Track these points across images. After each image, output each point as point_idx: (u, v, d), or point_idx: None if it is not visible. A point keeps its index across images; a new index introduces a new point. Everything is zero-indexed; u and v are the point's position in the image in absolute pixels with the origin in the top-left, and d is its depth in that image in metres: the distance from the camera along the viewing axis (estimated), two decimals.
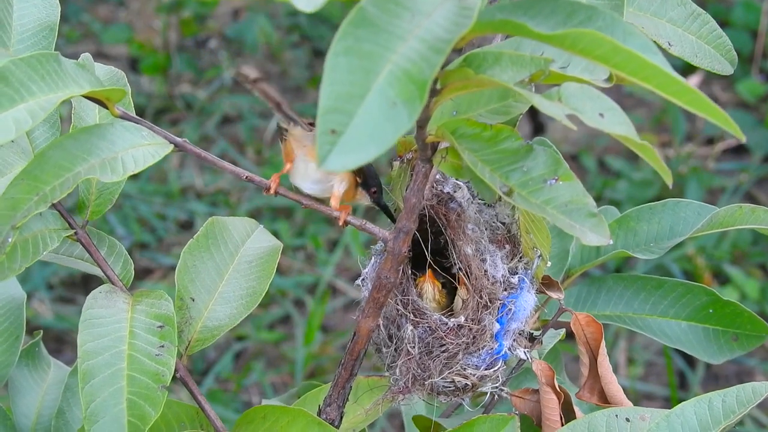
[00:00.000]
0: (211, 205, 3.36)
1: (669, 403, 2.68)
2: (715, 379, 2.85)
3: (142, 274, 3.12)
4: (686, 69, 3.49)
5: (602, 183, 3.35)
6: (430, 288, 1.13)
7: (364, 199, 1.11)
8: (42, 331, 1.39)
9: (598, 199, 3.26)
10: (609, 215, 1.34)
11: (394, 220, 1.11)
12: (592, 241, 0.85)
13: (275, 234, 3.16)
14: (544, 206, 0.86)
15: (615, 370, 2.83)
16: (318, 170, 1.05)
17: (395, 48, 0.68)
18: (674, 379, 2.62)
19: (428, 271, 1.13)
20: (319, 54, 3.82)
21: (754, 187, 3.38)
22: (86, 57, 1.11)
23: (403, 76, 0.68)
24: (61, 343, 2.94)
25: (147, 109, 3.66)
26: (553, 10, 0.73)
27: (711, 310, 1.26)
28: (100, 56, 3.85)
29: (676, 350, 1.28)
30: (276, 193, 1.08)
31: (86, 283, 3.08)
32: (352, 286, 3.07)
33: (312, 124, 1.05)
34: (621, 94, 3.70)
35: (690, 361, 2.84)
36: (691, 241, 3.06)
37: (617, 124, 0.81)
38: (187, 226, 3.30)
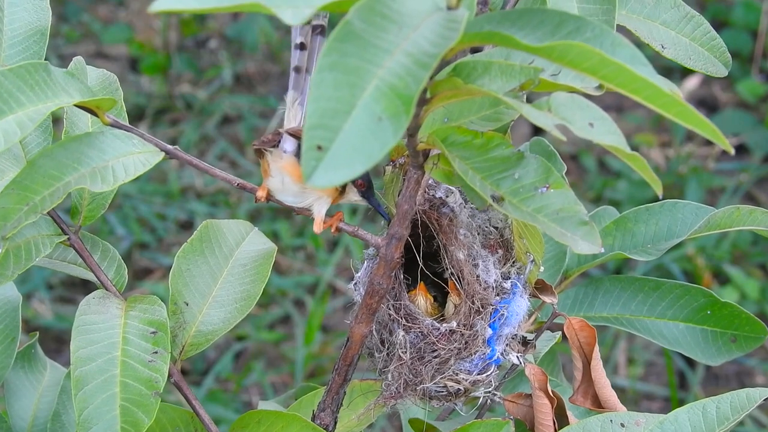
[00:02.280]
0: (211, 206, 3.36)
1: (669, 403, 2.68)
2: (715, 379, 2.85)
3: (142, 274, 3.12)
4: (685, 70, 3.49)
5: (602, 183, 3.35)
6: (422, 301, 1.13)
7: (353, 195, 1.09)
8: (38, 333, 1.39)
9: (598, 200, 3.26)
10: (607, 216, 1.34)
11: (385, 216, 1.11)
12: (584, 250, 0.85)
13: (275, 234, 3.18)
14: (535, 214, 0.85)
15: (615, 370, 2.84)
16: (295, 184, 1.05)
17: (381, 63, 0.68)
18: (674, 379, 2.62)
19: (420, 284, 1.13)
20: None
21: (754, 187, 3.37)
22: (78, 61, 1.10)
23: (389, 92, 0.67)
24: (60, 343, 2.95)
25: (147, 109, 3.66)
26: (542, 20, 0.73)
27: (709, 312, 1.25)
28: (100, 56, 3.85)
29: (676, 351, 1.28)
30: (267, 200, 1.08)
31: (87, 284, 3.08)
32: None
33: (292, 135, 1.05)
34: (621, 95, 3.69)
35: (690, 361, 2.84)
36: (691, 242, 3.06)
37: (607, 134, 0.81)
38: (187, 226, 3.30)
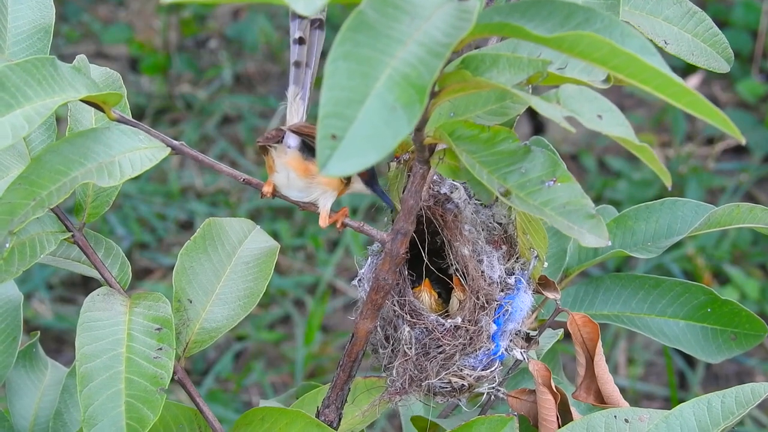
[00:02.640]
0: (211, 205, 3.36)
1: (669, 403, 2.68)
2: (716, 379, 2.85)
3: (143, 274, 3.12)
4: (686, 69, 3.49)
5: (602, 183, 3.35)
6: (427, 298, 1.13)
7: (357, 184, 1.09)
8: (39, 332, 1.39)
9: (598, 199, 3.26)
10: (606, 214, 1.34)
11: (390, 203, 1.10)
12: (591, 243, 0.85)
13: (275, 234, 3.18)
14: (542, 208, 0.85)
15: (615, 370, 2.84)
16: (300, 179, 1.05)
17: (394, 52, 0.68)
18: (674, 379, 2.62)
19: (425, 281, 1.13)
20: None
21: (754, 187, 3.37)
22: (81, 59, 1.10)
23: (402, 81, 0.68)
24: (61, 343, 2.95)
25: (147, 110, 3.66)
26: (551, 12, 0.73)
27: (709, 309, 1.25)
28: (100, 56, 3.85)
29: (676, 350, 1.27)
30: (273, 195, 1.08)
31: (86, 283, 3.08)
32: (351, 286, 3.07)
33: (295, 132, 1.04)
34: (621, 94, 3.70)
35: (690, 361, 2.84)
36: (691, 241, 3.06)
37: (616, 125, 0.81)
38: (187, 226, 3.30)
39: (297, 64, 1.06)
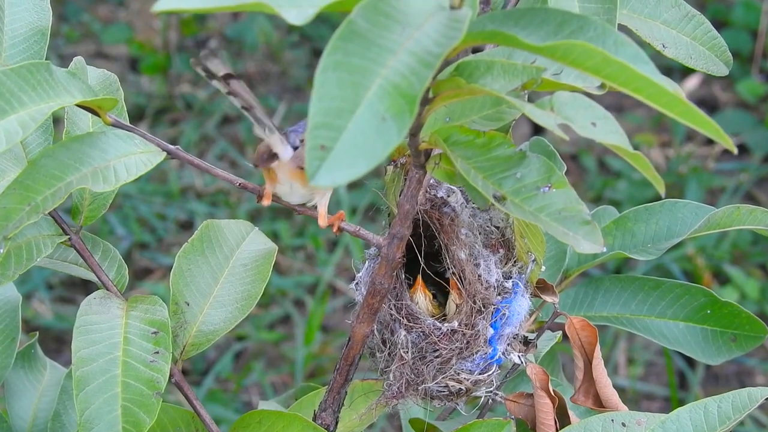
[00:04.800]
0: (211, 206, 3.36)
1: (669, 403, 2.68)
2: (716, 379, 2.85)
3: (142, 274, 3.12)
4: (685, 70, 3.49)
5: (602, 183, 3.35)
6: (423, 300, 1.13)
7: None
8: (38, 333, 1.39)
9: (598, 200, 3.26)
10: (607, 215, 1.34)
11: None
12: (586, 249, 0.85)
13: (275, 234, 3.18)
14: (537, 214, 0.85)
15: (615, 370, 2.84)
16: (303, 187, 1.04)
17: (385, 62, 0.68)
18: (674, 379, 2.62)
19: (417, 279, 1.13)
20: (319, 54, 3.81)
21: (754, 187, 3.37)
22: (78, 61, 1.10)
23: (393, 91, 0.67)
24: (61, 343, 2.95)
25: (147, 110, 3.66)
26: (544, 20, 0.73)
27: (709, 311, 1.25)
28: (100, 56, 3.85)
29: (676, 350, 1.28)
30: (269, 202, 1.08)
31: (87, 284, 3.08)
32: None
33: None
34: (621, 94, 3.69)
35: (690, 361, 2.84)
36: (691, 242, 3.06)
37: (609, 133, 0.81)
38: (187, 226, 3.30)
39: (245, 108, 1.03)
